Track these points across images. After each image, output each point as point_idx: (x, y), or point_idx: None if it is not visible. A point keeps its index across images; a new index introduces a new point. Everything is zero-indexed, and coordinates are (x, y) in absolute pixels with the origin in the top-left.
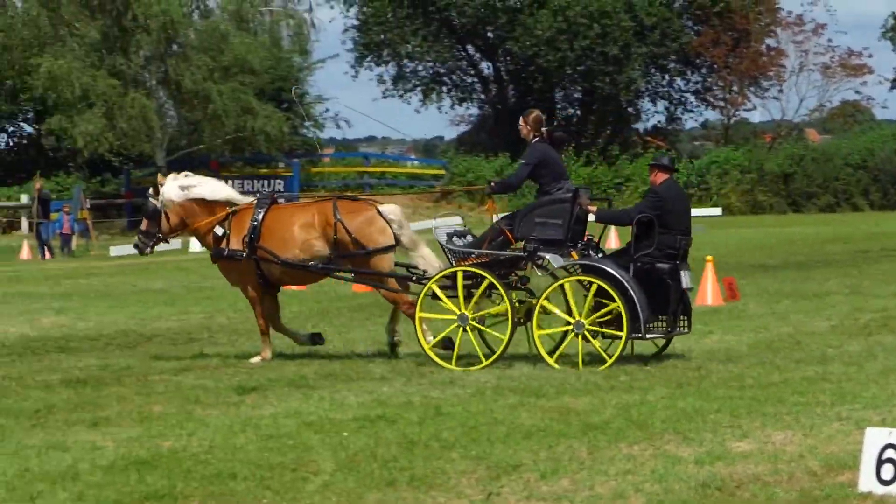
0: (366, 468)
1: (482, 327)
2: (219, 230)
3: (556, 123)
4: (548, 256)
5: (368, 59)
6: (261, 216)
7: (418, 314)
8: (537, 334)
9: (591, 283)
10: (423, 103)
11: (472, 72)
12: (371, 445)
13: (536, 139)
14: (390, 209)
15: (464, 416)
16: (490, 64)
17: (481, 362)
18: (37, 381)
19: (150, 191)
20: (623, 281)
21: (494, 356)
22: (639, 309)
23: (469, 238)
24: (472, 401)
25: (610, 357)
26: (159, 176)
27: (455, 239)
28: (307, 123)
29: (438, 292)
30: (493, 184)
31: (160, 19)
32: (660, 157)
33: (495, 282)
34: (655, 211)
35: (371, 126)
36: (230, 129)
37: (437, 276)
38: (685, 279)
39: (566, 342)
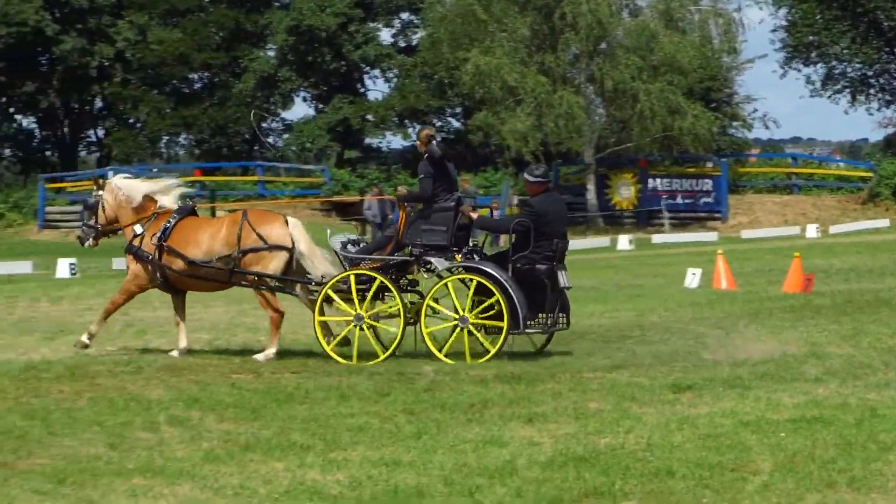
0: (804, 469)
1: (377, 324)
2: (138, 228)
3: None
4: (433, 260)
5: (796, 59)
6: (174, 221)
7: (317, 318)
8: (426, 332)
9: (471, 280)
10: (851, 104)
11: None
12: (809, 446)
13: (427, 154)
14: (294, 221)
15: None
16: None
17: (378, 357)
18: (470, 375)
19: (95, 186)
20: (503, 280)
21: (387, 353)
22: (517, 306)
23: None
24: None
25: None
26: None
27: (349, 246)
28: (735, 123)
29: (332, 295)
30: (403, 195)
31: (588, 18)
32: (534, 171)
33: (388, 283)
34: (531, 220)
35: (797, 127)
36: (658, 129)
37: (332, 281)
38: (563, 278)
39: (453, 336)
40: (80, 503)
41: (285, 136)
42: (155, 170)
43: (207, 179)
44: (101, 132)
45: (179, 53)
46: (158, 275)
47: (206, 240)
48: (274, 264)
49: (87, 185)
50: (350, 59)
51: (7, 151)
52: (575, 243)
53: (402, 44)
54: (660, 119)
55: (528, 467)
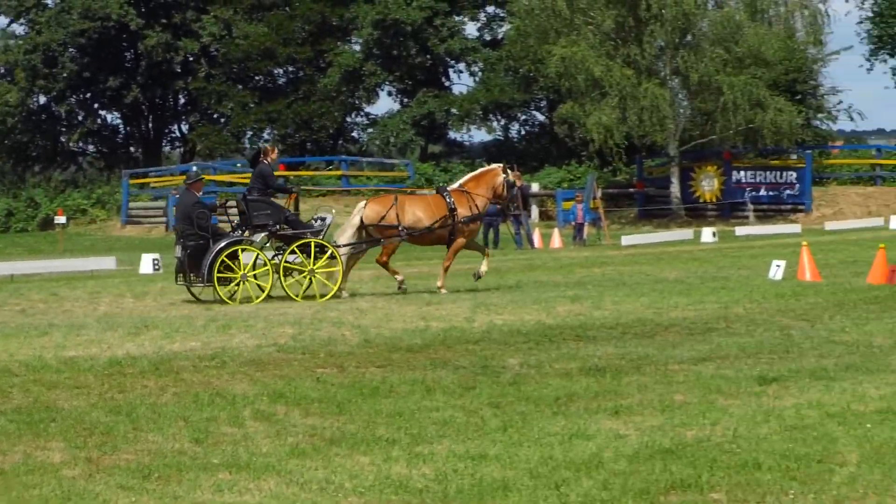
0: (891, 460)
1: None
2: None
3: None
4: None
5: (882, 51)
6: None
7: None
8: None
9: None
10: None
11: None
12: (895, 438)
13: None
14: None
15: None
16: None
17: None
18: (555, 368)
19: None
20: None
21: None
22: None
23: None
24: None
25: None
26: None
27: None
28: (820, 115)
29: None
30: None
31: (674, 10)
32: (189, 175)
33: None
34: None
35: (882, 119)
36: (741, 121)
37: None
38: (175, 250)
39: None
40: (166, 498)
41: (370, 130)
42: (238, 164)
43: (291, 174)
44: (185, 127)
45: (264, 48)
46: None
47: None
48: None
49: (170, 180)
50: (435, 53)
51: (91, 147)
52: (659, 236)
53: (487, 37)
54: (742, 112)
55: (614, 460)
